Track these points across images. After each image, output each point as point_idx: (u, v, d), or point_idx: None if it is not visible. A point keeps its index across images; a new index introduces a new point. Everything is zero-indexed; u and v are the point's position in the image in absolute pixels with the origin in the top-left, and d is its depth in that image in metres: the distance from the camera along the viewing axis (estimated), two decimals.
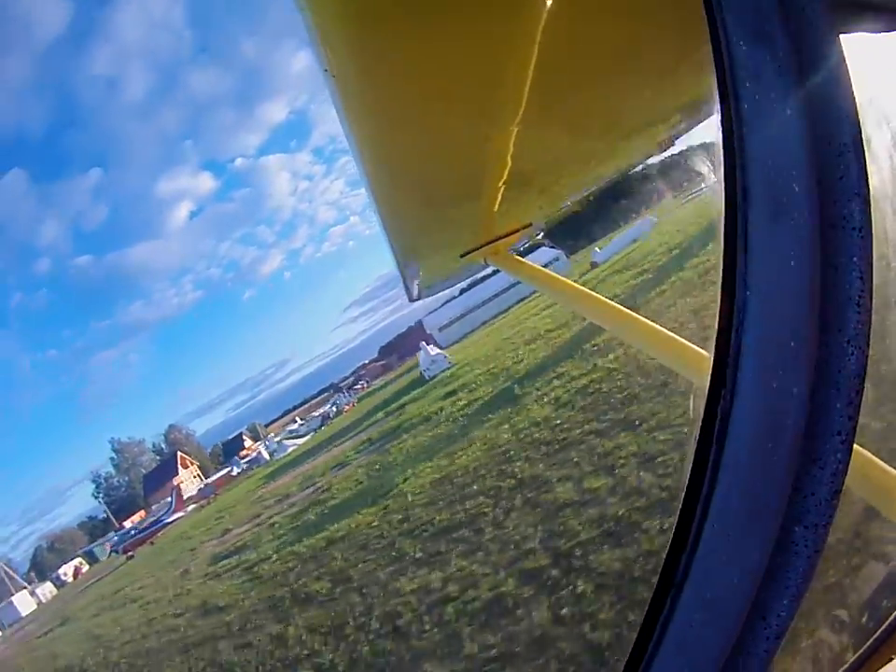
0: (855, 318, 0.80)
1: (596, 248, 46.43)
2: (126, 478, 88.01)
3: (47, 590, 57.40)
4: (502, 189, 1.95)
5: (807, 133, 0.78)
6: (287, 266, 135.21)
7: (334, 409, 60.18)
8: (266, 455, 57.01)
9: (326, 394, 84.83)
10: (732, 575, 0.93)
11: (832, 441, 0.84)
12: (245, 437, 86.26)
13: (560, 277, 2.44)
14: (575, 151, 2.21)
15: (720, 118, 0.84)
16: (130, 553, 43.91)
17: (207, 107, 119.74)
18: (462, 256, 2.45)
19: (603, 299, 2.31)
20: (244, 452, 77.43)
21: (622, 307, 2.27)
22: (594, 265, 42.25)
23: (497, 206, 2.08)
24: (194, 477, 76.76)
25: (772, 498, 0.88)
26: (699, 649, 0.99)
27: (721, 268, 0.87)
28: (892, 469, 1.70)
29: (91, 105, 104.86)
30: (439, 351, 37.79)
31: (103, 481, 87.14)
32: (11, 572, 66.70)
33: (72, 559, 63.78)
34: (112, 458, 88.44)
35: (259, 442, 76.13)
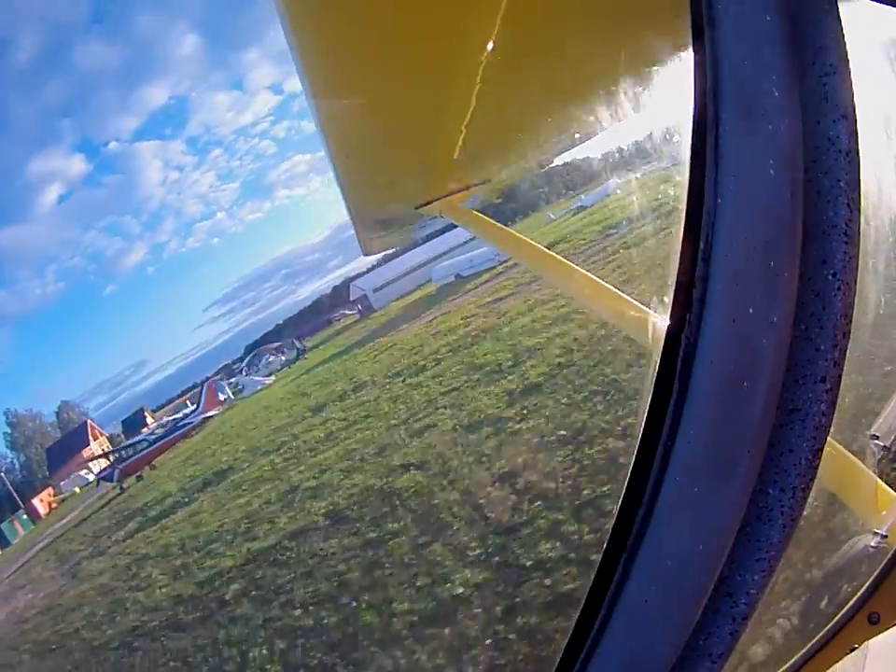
0: (842, 249, 0.76)
1: (582, 196, 49.18)
2: (23, 456, 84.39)
3: None
4: (460, 142, 2.07)
5: (787, 41, 0.76)
6: (150, 260, 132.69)
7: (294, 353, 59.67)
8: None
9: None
10: (695, 541, 0.85)
11: (815, 389, 0.78)
12: (146, 413, 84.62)
13: (516, 234, 2.59)
14: (535, 111, 2.28)
15: (690, 15, 0.80)
16: (138, 474, 35.07)
17: (90, 83, 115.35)
18: (417, 208, 2.57)
19: (556, 256, 2.47)
20: (145, 429, 76.79)
21: (574, 265, 2.43)
22: (580, 209, 45.00)
23: (454, 160, 2.21)
24: (102, 449, 74.76)
25: (743, 454, 0.81)
26: (655, 626, 0.92)
27: (689, 172, 0.82)
28: (846, 452, 1.75)
29: None
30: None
31: None
32: None
33: None
34: (6, 434, 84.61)
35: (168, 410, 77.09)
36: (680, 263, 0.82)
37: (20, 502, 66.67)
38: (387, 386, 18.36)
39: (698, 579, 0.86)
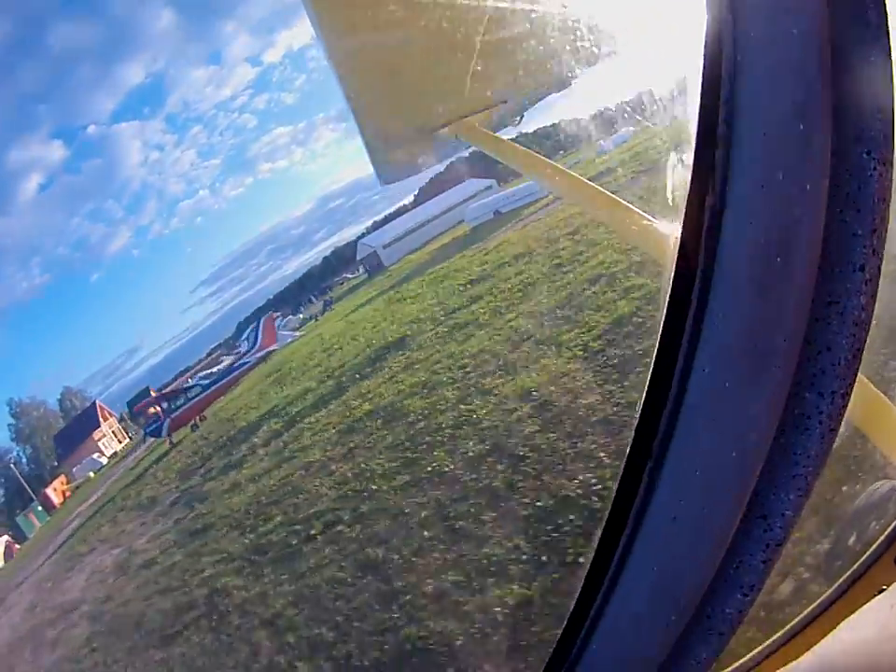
0: (877, 127, 0.70)
1: (601, 141, 48.78)
2: (29, 447, 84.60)
3: None
4: (475, 60, 2.08)
5: None
6: (134, 244, 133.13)
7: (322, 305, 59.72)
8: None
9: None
10: (727, 447, 0.82)
11: (853, 279, 0.73)
12: (152, 392, 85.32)
13: (534, 154, 2.60)
14: (551, 32, 2.31)
15: None
16: (193, 423, 32.77)
17: (64, 66, 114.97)
18: (433, 130, 2.59)
19: (575, 175, 2.49)
20: (152, 410, 77.11)
21: (594, 184, 2.45)
22: (601, 152, 44.47)
23: (470, 80, 2.22)
24: (112, 431, 75.18)
25: (778, 344, 0.76)
26: (684, 550, 0.89)
27: (707, 26, 0.77)
28: (872, 386, 1.71)
29: None
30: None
31: None
32: None
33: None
34: (10, 425, 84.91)
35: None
36: (700, 124, 0.77)
37: (32, 494, 66.70)
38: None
39: (730, 494, 0.82)
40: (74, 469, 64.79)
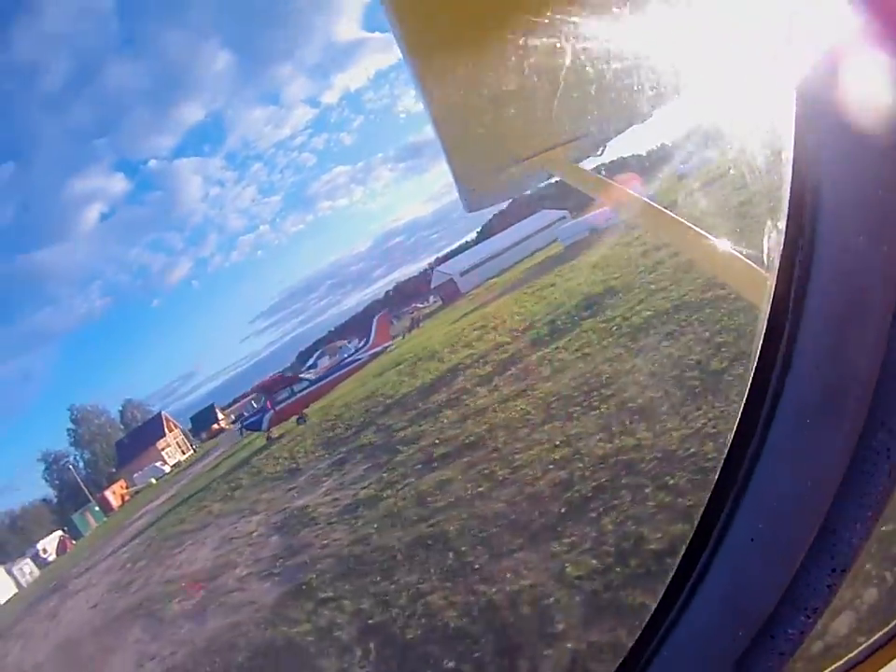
0: None
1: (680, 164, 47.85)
2: (87, 452, 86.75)
3: (26, 569, 49.72)
4: (558, 98, 2.23)
5: None
6: (195, 275, 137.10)
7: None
8: None
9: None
10: (802, 480, 0.88)
11: None
12: (217, 409, 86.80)
13: (616, 184, 2.73)
14: (631, 68, 2.43)
15: None
16: (299, 416, 31.24)
17: (125, 104, 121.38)
18: (520, 162, 2.75)
19: (661, 209, 2.59)
20: (215, 426, 78.74)
21: (681, 219, 2.54)
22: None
23: (552, 116, 2.37)
24: (177, 442, 76.83)
25: (853, 391, 0.81)
26: (758, 570, 0.95)
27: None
28: None
29: (3, 94, 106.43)
30: None
31: (54, 461, 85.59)
32: None
33: (49, 534, 56.93)
34: (70, 430, 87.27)
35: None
36: (792, 194, 0.83)
37: (89, 496, 68.01)
38: None
39: (803, 521, 0.87)
40: (135, 475, 66.01)
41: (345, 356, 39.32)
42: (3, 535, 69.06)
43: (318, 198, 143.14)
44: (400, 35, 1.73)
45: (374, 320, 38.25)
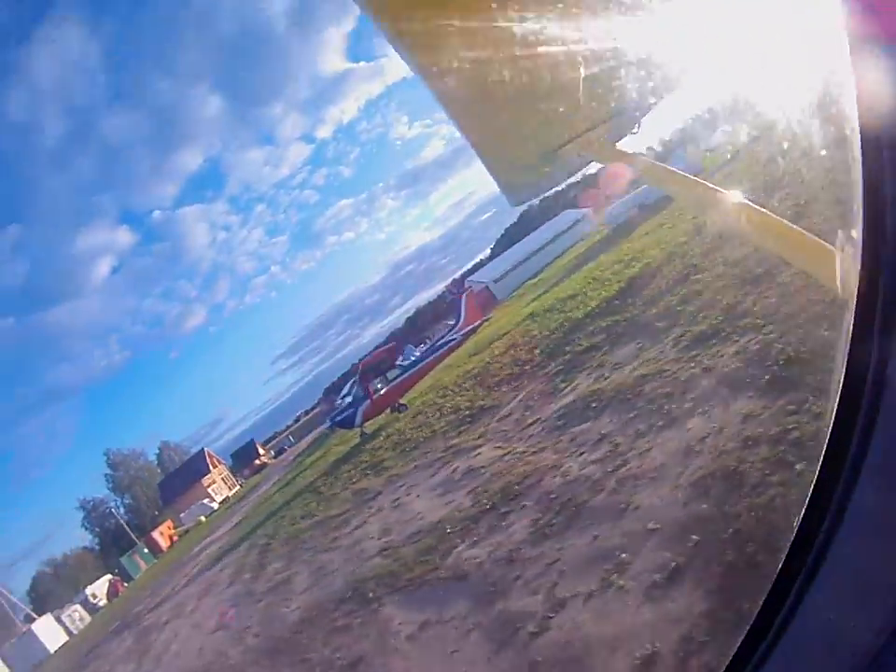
0: None
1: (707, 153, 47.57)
2: (128, 497, 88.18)
3: (75, 615, 48.55)
4: (584, 81, 2.28)
5: None
6: (210, 321, 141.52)
7: None
8: None
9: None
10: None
11: None
12: (257, 444, 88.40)
13: (657, 163, 2.78)
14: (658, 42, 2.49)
15: None
16: (398, 405, 28.65)
17: (122, 157, 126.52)
18: (556, 150, 2.81)
19: (697, 180, 2.62)
20: (257, 462, 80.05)
21: (714, 186, 2.55)
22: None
23: (581, 99, 2.42)
24: (222, 478, 77.76)
25: None
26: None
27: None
28: None
29: (2, 155, 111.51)
30: None
31: (93, 508, 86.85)
32: (9, 595, 57.73)
33: (98, 579, 57.12)
34: (108, 475, 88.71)
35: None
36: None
37: (135, 539, 68.80)
38: None
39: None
40: (181, 515, 66.63)
41: (438, 338, 36.81)
42: (48, 584, 70.47)
43: (325, 233, 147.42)
44: (406, 46, 1.80)
45: (463, 298, 35.53)
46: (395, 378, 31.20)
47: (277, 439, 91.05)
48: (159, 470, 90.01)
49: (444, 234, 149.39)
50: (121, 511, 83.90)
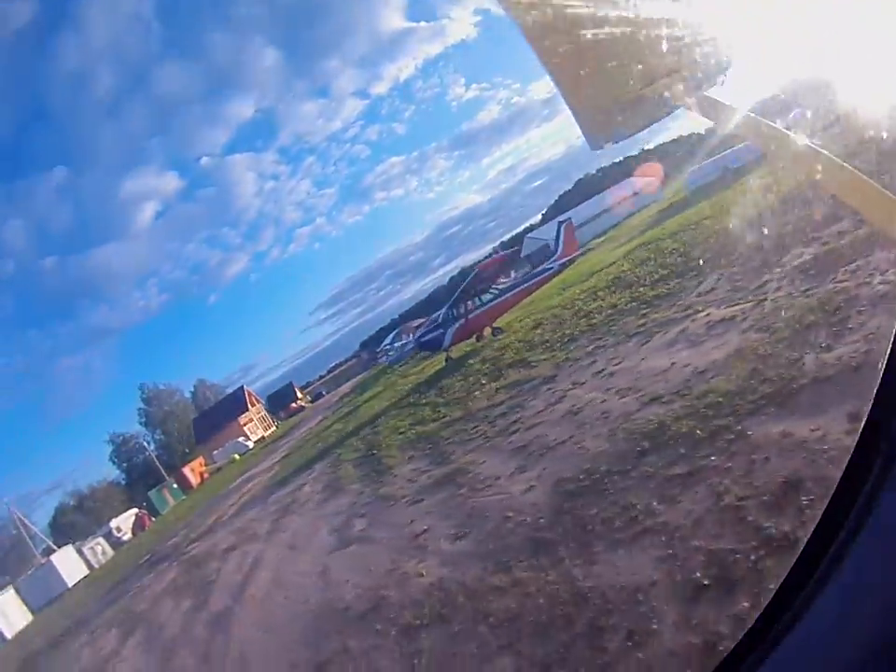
0: None
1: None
2: (160, 431, 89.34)
3: (98, 548, 48.23)
4: (666, 22, 2.19)
5: None
6: (252, 268, 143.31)
7: None
8: None
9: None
10: None
11: None
12: (295, 387, 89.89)
13: (750, 114, 2.62)
14: None
15: None
16: (494, 328, 27.82)
17: (175, 104, 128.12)
18: (641, 89, 2.69)
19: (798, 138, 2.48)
20: (294, 405, 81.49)
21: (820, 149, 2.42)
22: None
23: (664, 45, 2.32)
24: (259, 417, 79.15)
25: None
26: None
27: None
28: None
29: (56, 99, 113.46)
30: None
31: (122, 442, 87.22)
32: (31, 526, 58.28)
33: (124, 512, 57.87)
34: (141, 409, 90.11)
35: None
36: None
37: (165, 474, 70.38)
38: None
39: None
40: (214, 453, 67.97)
41: (535, 265, 36.23)
42: (70, 516, 71.76)
43: (374, 189, 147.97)
44: None
45: (561, 228, 34.77)
46: (489, 301, 30.21)
47: (313, 385, 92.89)
48: (193, 407, 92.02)
49: (493, 198, 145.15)
50: (152, 446, 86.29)
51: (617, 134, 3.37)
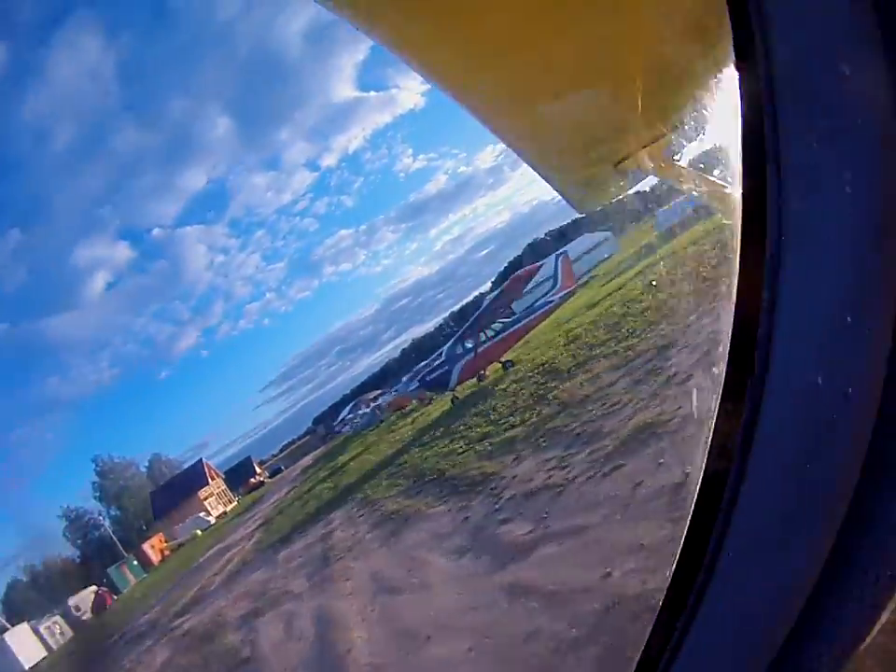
0: None
1: None
2: (116, 507, 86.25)
3: (55, 628, 45.88)
4: (640, 95, 2.36)
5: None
6: (203, 344, 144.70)
7: None
8: None
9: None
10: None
11: None
12: (254, 462, 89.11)
13: (714, 179, 2.83)
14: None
15: None
16: (504, 361, 27.50)
17: (127, 171, 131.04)
18: (615, 165, 2.90)
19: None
20: (253, 480, 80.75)
21: None
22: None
23: (638, 116, 2.50)
24: (219, 493, 77.36)
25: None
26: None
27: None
28: None
29: (9, 162, 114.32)
30: None
31: (76, 517, 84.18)
32: None
33: (82, 590, 54.10)
34: (95, 484, 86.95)
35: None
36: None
37: (123, 551, 68.18)
38: None
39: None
40: (176, 528, 65.85)
41: (536, 298, 35.71)
42: (24, 592, 68.05)
43: (323, 263, 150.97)
44: (446, 76, 1.90)
45: (559, 261, 35.16)
46: (491, 339, 29.84)
47: (268, 462, 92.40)
48: (149, 482, 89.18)
49: (442, 269, 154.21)
50: (107, 522, 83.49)
51: (600, 202, 3.57)
